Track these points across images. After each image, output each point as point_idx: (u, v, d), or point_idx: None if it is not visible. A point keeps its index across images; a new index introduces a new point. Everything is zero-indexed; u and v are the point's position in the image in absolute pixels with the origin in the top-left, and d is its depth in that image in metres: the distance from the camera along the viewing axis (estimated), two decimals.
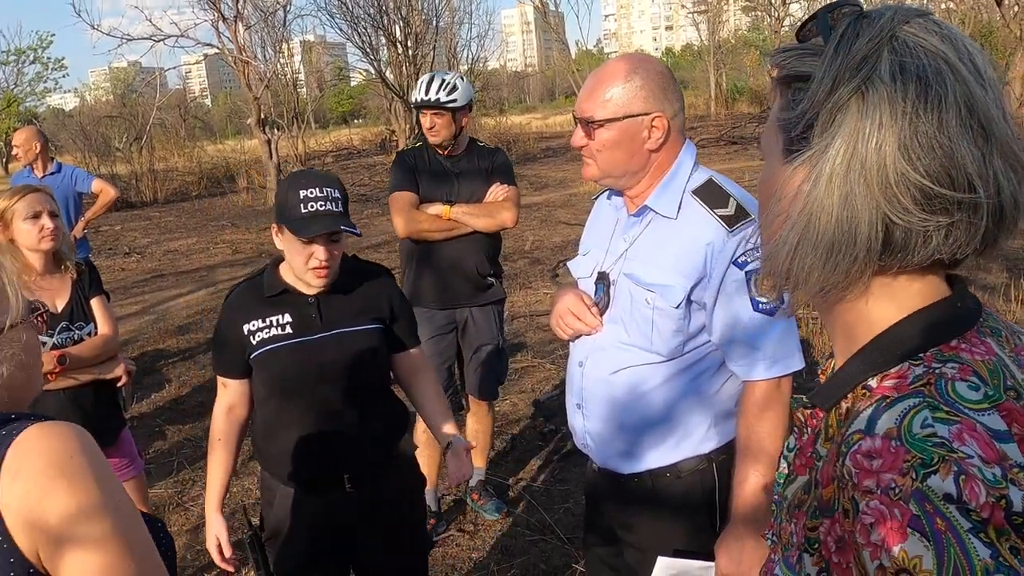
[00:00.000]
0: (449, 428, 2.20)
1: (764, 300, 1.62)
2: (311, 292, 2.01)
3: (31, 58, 23.61)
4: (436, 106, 3.27)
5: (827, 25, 0.73)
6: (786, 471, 0.86)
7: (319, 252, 1.90)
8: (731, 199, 1.68)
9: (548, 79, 70.53)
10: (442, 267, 3.40)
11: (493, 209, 3.36)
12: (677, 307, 1.66)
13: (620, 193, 1.83)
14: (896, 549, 0.61)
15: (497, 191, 3.41)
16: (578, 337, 1.85)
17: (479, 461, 3.66)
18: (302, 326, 2.00)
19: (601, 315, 1.79)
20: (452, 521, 3.64)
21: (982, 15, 30.96)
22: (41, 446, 0.92)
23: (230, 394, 2.10)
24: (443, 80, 3.32)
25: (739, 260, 1.63)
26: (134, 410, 5.26)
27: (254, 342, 1.99)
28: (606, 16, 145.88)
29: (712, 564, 1.71)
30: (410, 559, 2.24)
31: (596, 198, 2.02)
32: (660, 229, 1.73)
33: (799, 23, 0.80)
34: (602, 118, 1.66)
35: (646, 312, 1.69)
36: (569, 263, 2.00)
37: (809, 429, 0.82)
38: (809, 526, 0.74)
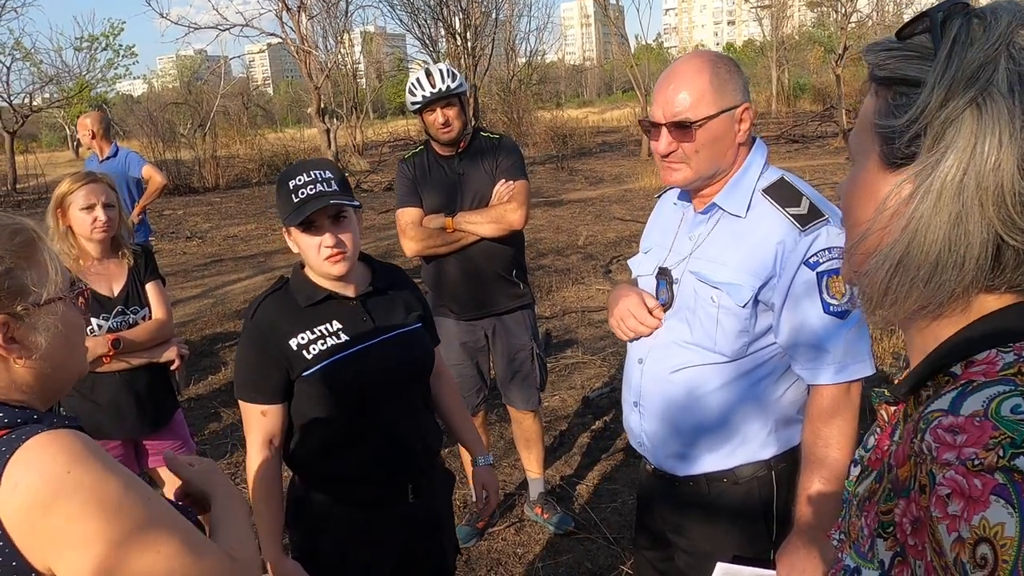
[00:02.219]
0: (472, 439, 2.19)
1: (835, 302, 1.57)
2: (352, 294, 1.89)
3: (103, 45, 24.24)
4: (447, 96, 3.08)
5: (939, 27, 0.69)
6: (858, 471, 0.83)
7: (326, 238, 1.78)
8: (804, 198, 1.63)
9: (606, 73, 70.11)
10: (464, 275, 3.21)
11: (498, 212, 3.13)
12: (744, 306, 1.62)
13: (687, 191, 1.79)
14: (976, 518, 0.59)
15: (502, 191, 3.17)
16: (638, 339, 1.81)
17: (536, 471, 3.56)
18: (357, 332, 1.86)
19: (664, 312, 1.76)
20: (499, 516, 3.63)
21: None
22: (39, 462, 0.93)
23: (269, 424, 1.84)
24: (440, 70, 3.11)
25: (811, 260, 1.58)
26: (191, 391, 5.38)
27: (308, 357, 1.80)
28: (667, 10, 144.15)
29: (772, 573, 1.66)
30: (451, 560, 2.19)
31: (660, 196, 1.98)
32: (729, 227, 1.68)
33: (906, 20, 0.75)
34: (700, 117, 1.60)
35: (711, 310, 1.65)
36: (630, 261, 1.97)
37: (889, 425, 0.79)
38: (883, 510, 0.72)
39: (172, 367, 2.98)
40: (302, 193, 1.77)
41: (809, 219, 1.60)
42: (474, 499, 2.23)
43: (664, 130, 1.63)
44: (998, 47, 0.65)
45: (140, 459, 3.01)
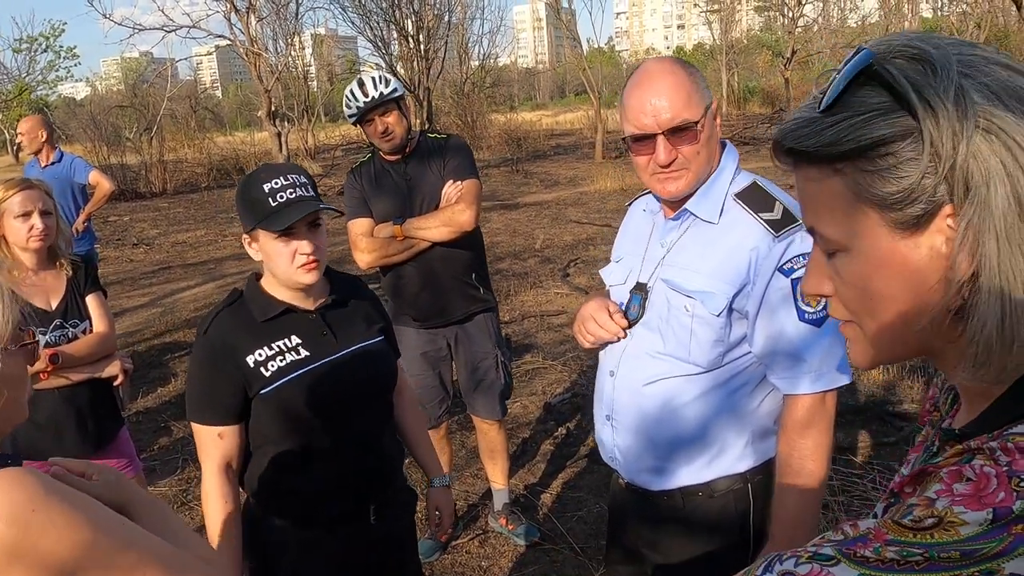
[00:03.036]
0: (429, 459, 2.13)
1: (810, 309, 1.53)
2: (311, 307, 1.80)
3: (43, 46, 23.54)
4: (382, 103, 2.97)
5: (887, 78, 0.64)
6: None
7: (303, 245, 1.69)
8: (777, 203, 1.59)
9: (559, 76, 70.41)
10: (422, 282, 3.11)
11: (447, 214, 3.01)
12: (718, 315, 1.57)
13: (657, 198, 1.74)
14: (959, 508, 0.58)
15: (450, 191, 3.06)
16: (604, 346, 1.76)
17: (501, 481, 3.47)
18: (317, 347, 1.77)
19: (631, 327, 1.71)
20: (462, 528, 3.55)
21: (999, 18, 30.71)
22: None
23: (226, 446, 1.73)
24: (372, 78, 3.01)
25: (785, 267, 1.54)
26: (139, 405, 5.20)
27: (266, 374, 1.71)
28: (618, 14, 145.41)
29: None
30: None
31: (629, 204, 1.93)
32: (701, 234, 1.64)
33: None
34: (698, 117, 1.56)
35: (685, 320, 1.60)
36: (601, 271, 1.92)
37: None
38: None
39: (116, 383, 2.84)
40: (281, 197, 1.68)
41: (783, 224, 1.56)
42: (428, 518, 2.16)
43: (661, 139, 1.56)
44: (953, 69, 0.62)
45: None
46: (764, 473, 1.67)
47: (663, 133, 1.55)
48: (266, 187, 1.69)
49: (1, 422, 0.98)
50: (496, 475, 3.47)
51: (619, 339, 1.71)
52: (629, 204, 1.94)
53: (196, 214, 14.77)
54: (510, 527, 3.42)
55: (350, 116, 3.04)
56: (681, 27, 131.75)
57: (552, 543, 3.37)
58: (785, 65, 21.04)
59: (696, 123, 1.55)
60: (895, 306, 0.69)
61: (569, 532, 3.41)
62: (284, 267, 1.72)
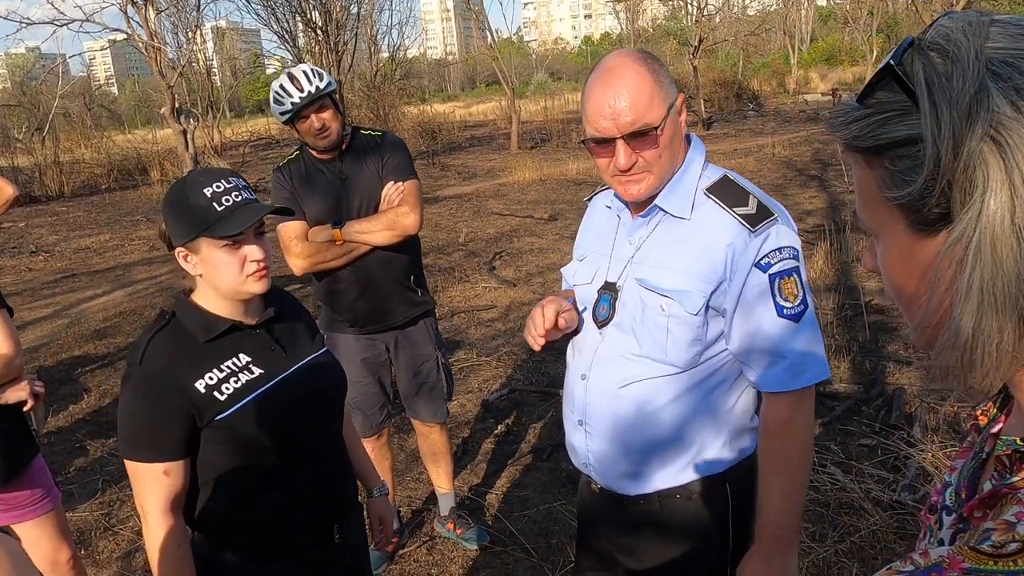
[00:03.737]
0: (367, 468, 2.04)
1: (788, 304, 1.50)
2: (253, 322, 1.67)
3: None
4: (318, 98, 2.79)
5: (904, 79, 0.63)
6: (951, 520, 0.74)
7: (253, 251, 1.59)
8: (751, 197, 1.54)
9: (469, 68, 70.17)
10: (360, 288, 2.96)
11: (390, 218, 2.87)
12: (696, 314, 1.52)
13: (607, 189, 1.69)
14: None
15: (391, 193, 2.91)
16: (552, 344, 1.69)
17: (446, 485, 3.37)
18: (269, 364, 1.65)
19: (601, 328, 1.65)
20: (408, 536, 3.44)
21: (889, 6, 32.10)
22: None
23: (172, 484, 1.57)
24: (305, 72, 2.81)
25: (762, 262, 1.50)
26: (50, 424, 4.88)
27: (221, 399, 1.57)
28: (525, 4, 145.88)
29: None
30: None
31: (589, 199, 1.86)
32: (672, 230, 1.58)
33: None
34: (660, 120, 1.48)
35: (661, 320, 1.55)
36: (563, 269, 1.84)
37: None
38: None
39: (25, 407, 2.60)
40: (226, 201, 1.55)
41: (759, 219, 1.52)
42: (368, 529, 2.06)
43: (620, 144, 1.49)
44: (976, 70, 0.59)
45: None
46: (742, 471, 1.64)
47: (623, 137, 1.49)
48: (207, 192, 1.55)
49: None
50: (441, 479, 3.38)
51: (537, 342, 1.65)
52: (589, 199, 1.87)
53: (98, 218, 14.04)
54: (459, 532, 3.33)
55: (282, 114, 2.84)
56: (588, 16, 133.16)
57: (502, 545, 3.30)
58: (692, 54, 21.40)
59: (657, 127, 1.49)
60: (916, 302, 0.69)
61: (519, 533, 3.35)
62: (231, 277, 1.58)
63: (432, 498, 3.59)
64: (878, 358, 4.81)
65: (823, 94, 26.74)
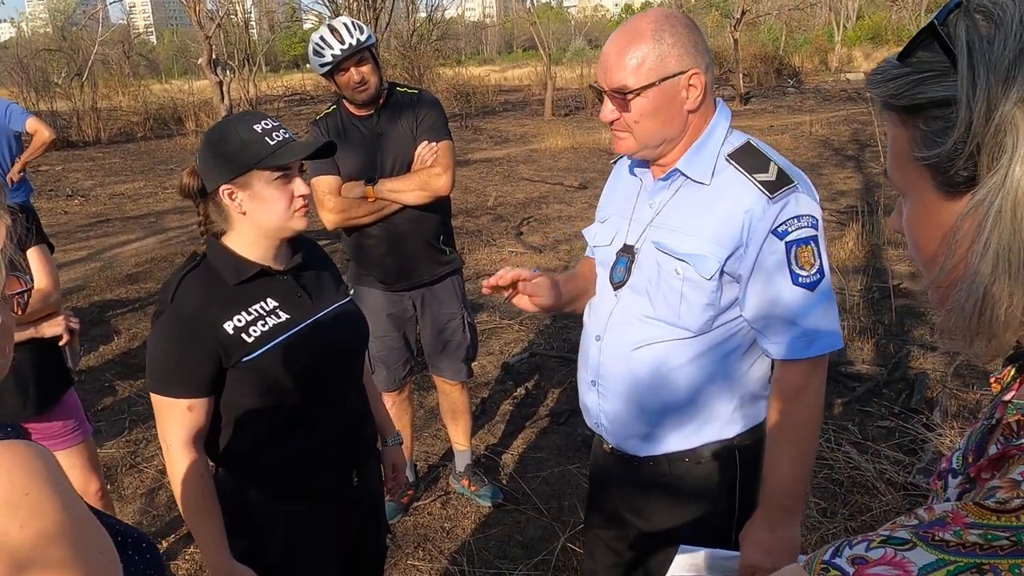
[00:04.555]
0: (383, 418, 2.08)
1: (804, 273, 1.51)
2: (282, 267, 1.71)
3: None
4: (358, 51, 2.80)
5: (946, 39, 0.63)
6: (958, 482, 0.75)
7: (300, 187, 1.63)
8: (772, 164, 1.54)
9: (507, 32, 69.46)
10: (389, 246, 2.99)
11: (423, 178, 2.89)
12: (710, 279, 1.53)
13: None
14: None
15: (424, 153, 2.94)
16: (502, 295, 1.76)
17: (463, 443, 3.43)
18: (296, 309, 1.69)
19: (617, 290, 1.67)
20: (423, 490, 3.51)
21: None
22: None
23: (196, 419, 1.62)
24: (345, 24, 2.81)
25: (779, 229, 1.50)
26: (82, 363, 4.99)
27: (249, 340, 1.60)
28: None
29: (735, 553, 1.61)
30: (383, 540, 2.07)
31: (615, 162, 1.87)
32: (692, 195, 1.59)
33: (906, 45, 0.68)
34: (637, 86, 1.49)
35: (675, 283, 1.56)
36: (585, 231, 1.86)
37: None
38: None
39: (60, 342, 2.68)
40: (277, 137, 1.60)
41: (778, 186, 1.52)
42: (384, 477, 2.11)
43: (606, 96, 1.54)
44: (1019, 35, 0.59)
45: None
46: (752, 439, 1.66)
47: (607, 92, 1.53)
48: (257, 128, 1.60)
49: None
50: (459, 436, 3.43)
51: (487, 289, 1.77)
52: (614, 162, 1.88)
53: (133, 165, 14.21)
54: (473, 488, 3.39)
55: (322, 65, 2.84)
56: None
57: (515, 504, 3.35)
58: (734, 26, 21.00)
59: (631, 91, 1.49)
60: (935, 261, 0.70)
61: (532, 493, 3.40)
62: (280, 212, 1.62)
63: (449, 455, 3.65)
64: (903, 342, 4.77)
65: (866, 73, 26.09)
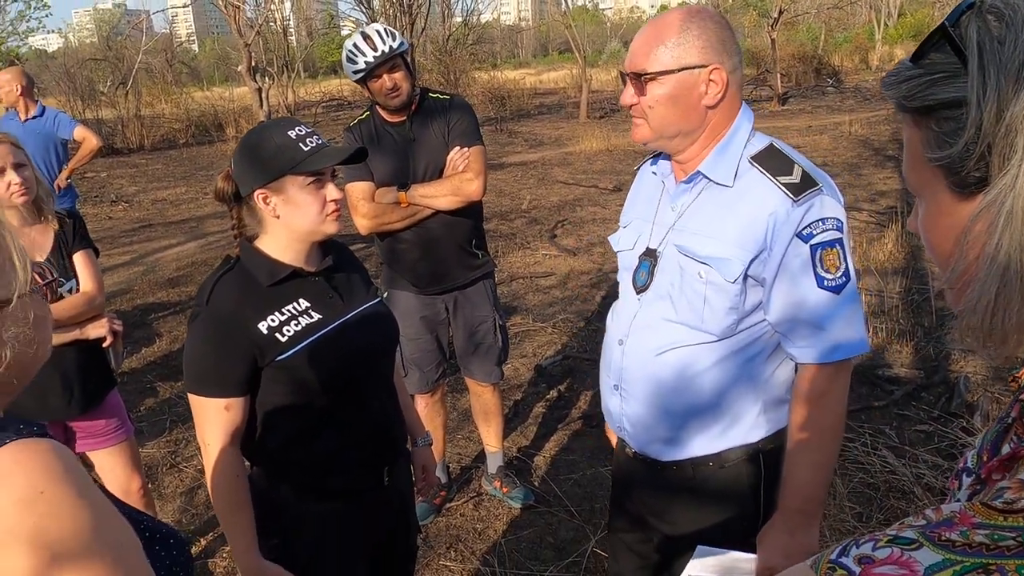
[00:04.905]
0: (412, 419, 2.10)
1: (830, 276, 1.50)
2: (314, 269, 1.75)
3: None
4: (391, 58, 2.84)
5: (957, 41, 0.63)
6: (970, 481, 0.75)
7: (332, 191, 1.67)
8: (796, 166, 1.54)
9: (542, 35, 69.48)
10: (422, 250, 3.02)
11: (455, 183, 2.92)
12: (734, 282, 1.53)
13: (667, 158, 1.70)
14: None
15: (456, 159, 2.96)
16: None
17: (495, 444, 3.45)
18: (328, 310, 1.72)
19: (640, 294, 1.68)
20: (456, 491, 3.54)
21: None
22: (11, 477, 0.78)
23: (233, 419, 1.66)
24: (379, 31, 2.85)
25: (804, 232, 1.49)
26: (124, 365, 5.12)
27: (283, 340, 1.64)
28: None
29: (752, 556, 1.61)
30: (414, 540, 2.11)
31: (639, 167, 1.88)
32: (714, 198, 1.59)
33: (918, 47, 0.68)
34: (655, 71, 1.52)
35: (698, 287, 1.57)
36: (610, 237, 1.87)
37: None
38: None
39: (104, 343, 2.76)
40: (311, 142, 1.64)
41: (802, 188, 1.51)
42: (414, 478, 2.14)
43: (628, 79, 1.57)
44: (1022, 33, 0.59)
45: (69, 443, 2.79)
46: (776, 444, 1.65)
47: (628, 74, 1.56)
48: (292, 134, 1.64)
49: (29, 368, 0.92)
50: (491, 438, 3.46)
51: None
52: (638, 167, 1.89)
53: (175, 171, 14.50)
54: (505, 490, 3.41)
55: (355, 72, 2.89)
56: None
57: (546, 506, 3.37)
58: (771, 26, 20.78)
59: (646, 75, 1.52)
60: (949, 262, 0.70)
61: (564, 495, 3.41)
62: (313, 216, 1.67)
63: (481, 456, 3.68)
64: (943, 345, 4.69)
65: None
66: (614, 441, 1.94)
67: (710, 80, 1.53)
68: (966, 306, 0.66)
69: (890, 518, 3.08)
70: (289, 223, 1.68)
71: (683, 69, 1.51)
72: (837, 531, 3.00)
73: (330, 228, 1.71)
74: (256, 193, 1.66)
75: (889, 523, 3.07)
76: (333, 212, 1.69)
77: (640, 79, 1.54)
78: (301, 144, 1.63)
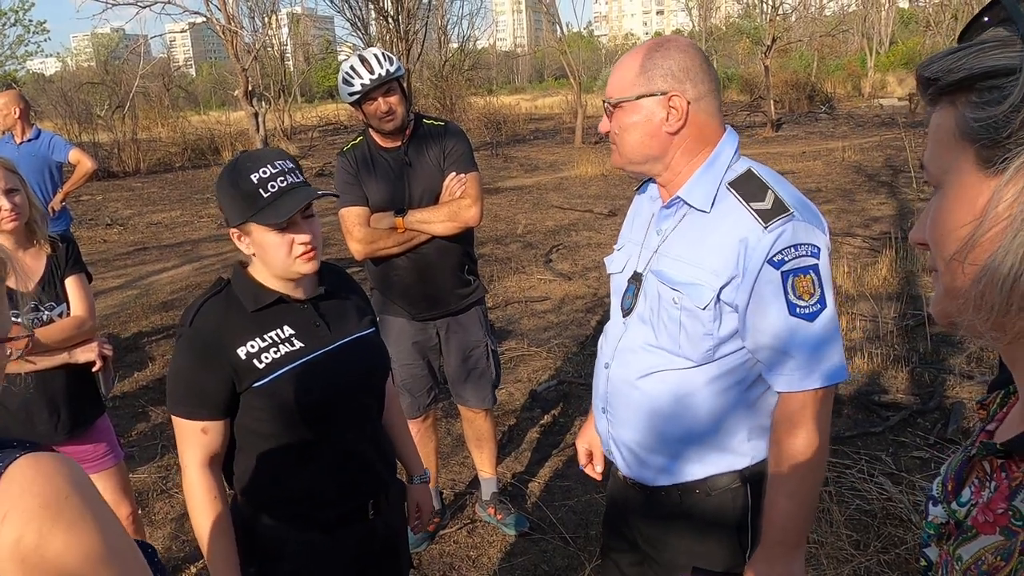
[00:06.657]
0: (410, 454, 2.08)
1: (802, 303, 1.48)
2: (303, 297, 1.72)
3: (12, 20, 22.91)
4: (387, 82, 2.85)
5: (1010, 10, 0.62)
6: (946, 520, 0.73)
7: (300, 236, 1.62)
8: (769, 192, 1.52)
9: (538, 60, 70.09)
10: (416, 275, 3.01)
11: (452, 209, 2.92)
12: (704, 308, 1.53)
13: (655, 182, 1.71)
14: None
15: (453, 185, 2.97)
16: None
17: (489, 470, 3.43)
18: (311, 338, 1.70)
19: (625, 317, 1.69)
20: (450, 518, 3.50)
21: (973, 10, 30.91)
22: (33, 486, 0.77)
23: (210, 442, 1.64)
24: (376, 55, 2.86)
25: (775, 259, 1.48)
26: (116, 389, 5.08)
27: (260, 366, 1.63)
28: None
29: None
30: (405, 571, 2.06)
31: (637, 190, 1.89)
32: (693, 223, 1.59)
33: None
34: (620, 98, 1.57)
35: (674, 312, 1.57)
36: (606, 258, 1.87)
37: (994, 483, 0.69)
38: None
39: (94, 368, 2.72)
40: (272, 187, 1.59)
41: (773, 214, 1.49)
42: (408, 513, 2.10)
43: (604, 108, 1.63)
44: None
45: None
46: (763, 470, 1.63)
47: (604, 103, 1.62)
48: (254, 178, 1.59)
49: None
50: (484, 464, 3.43)
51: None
52: (636, 190, 1.89)
53: (171, 194, 14.52)
54: (499, 517, 3.38)
55: (351, 94, 2.89)
56: (661, 13, 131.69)
57: (541, 533, 3.33)
58: (765, 53, 21.01)
59: (611, 102, 1.58)
60: (951, 238, 0.67)
61: (559, 521, 3.38)
62: (280, 259, 1.64)
63: (475, 483, 3.64)
64: (938, 370, 4.68)
65: (900, 99, 25.90)
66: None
67: (670, 107, 1.54)
68: (976, 290, 0.64)
69: (887, 545, 3.06)
70: (263, 261, 1.68)
71: (641, 97, 1.55)
72: (834, 559, 2.98)
73: (303, 268, 1.66)
74: (231, 231, 1.67)
75: (887, 551, 3.06)
76: (303, 254, 1.64)
77: (611, 107, 1.60)
78: (261, 190, 1.59)
